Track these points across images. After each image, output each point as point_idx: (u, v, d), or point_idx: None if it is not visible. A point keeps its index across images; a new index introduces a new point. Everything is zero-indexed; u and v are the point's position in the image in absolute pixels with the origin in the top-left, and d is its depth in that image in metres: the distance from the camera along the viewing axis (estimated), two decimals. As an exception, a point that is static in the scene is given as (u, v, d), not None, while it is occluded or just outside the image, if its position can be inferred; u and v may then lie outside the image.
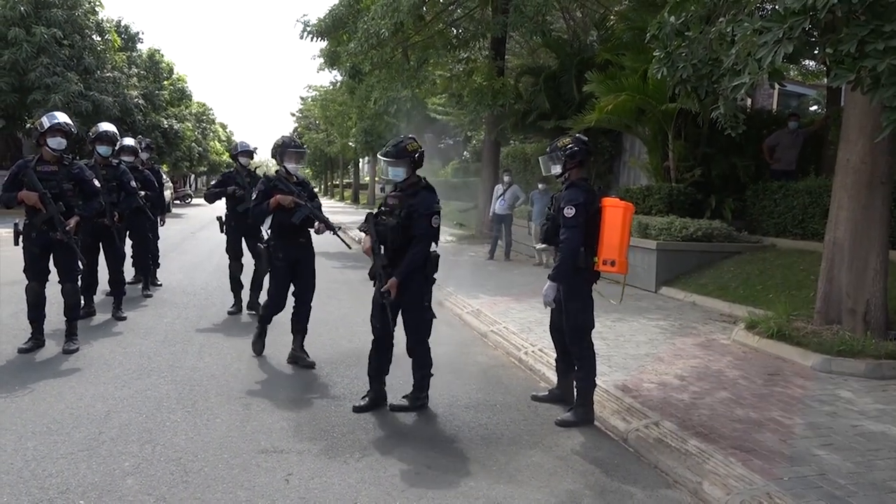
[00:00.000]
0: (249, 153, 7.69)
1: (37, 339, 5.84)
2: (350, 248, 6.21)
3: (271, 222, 5.52)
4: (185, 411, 4.50)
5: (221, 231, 7.66)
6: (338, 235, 5.62)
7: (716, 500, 3.43)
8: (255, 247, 7.10)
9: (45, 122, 5.59)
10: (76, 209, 5.77)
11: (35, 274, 5.71)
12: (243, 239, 7.66)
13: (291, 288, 5.75)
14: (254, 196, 5.58)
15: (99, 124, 7.43)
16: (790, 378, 5.47)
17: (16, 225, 5.70)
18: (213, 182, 7.47)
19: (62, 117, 5.69)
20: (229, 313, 7.62)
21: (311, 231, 5.70)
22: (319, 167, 66.43)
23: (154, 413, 4.44)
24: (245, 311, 7.74)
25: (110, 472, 3.56)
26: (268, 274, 5.79)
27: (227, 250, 7.73)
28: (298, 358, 5.71)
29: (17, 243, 5.69)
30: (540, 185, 12.90)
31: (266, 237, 6.41)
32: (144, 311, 7.68)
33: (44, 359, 5.64)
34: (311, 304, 5.75)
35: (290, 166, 5.60)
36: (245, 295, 7.80)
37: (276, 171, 5.69)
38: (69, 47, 22.91)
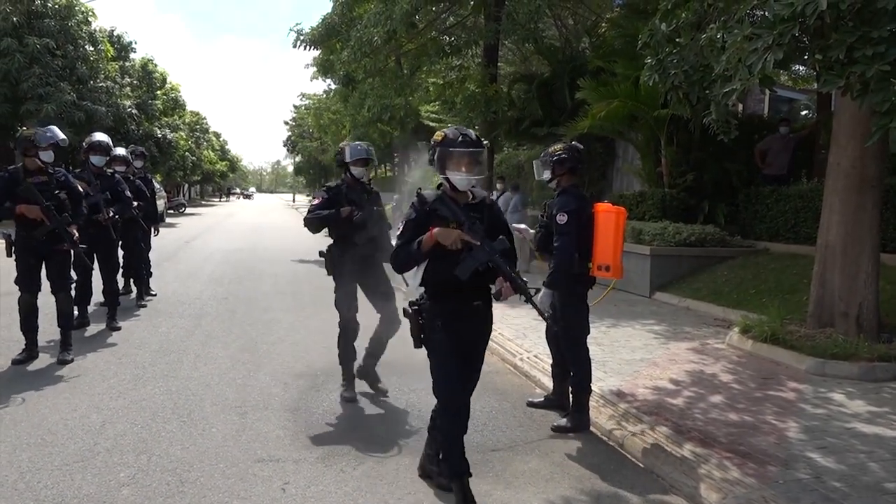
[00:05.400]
0: (365, 160, 5.23)
1: (30, 351, 5.82)
2: (547, 321, 3.82)
3: (423, 274, 3.43)
4: (180, 421, 4.49)
5: (328, 273, 5.20)
6: (532, 304, 3.38)
7: (711, 504, 3.44)
8: (385, 297, 5.15)
9: (43, 138, 5.59)
10: (69, 217, 5.78)
11: (28, 285, 5.70)
12: (359, 285, 5.22)
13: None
14: (399, 228, 3.43)
15: (92, 134, 7.45)
16: (784, 381, 5.49)
17: (8, 236, 5.68)
18: (314, 201, 5.26)
19: (60, 134, 5.75)
20: (345, 399, 5.08)
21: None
22: (313, 175, 66.45)
23: (149, 423, 4.43)
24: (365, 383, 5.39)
25: (106, 483, 3.55)
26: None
27: (337, 303, 5.18)
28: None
29: (10, 255, 5.67)
30: (499, 185, 14.30)
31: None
32: (138, 322, 7.66)
33: (37, 370, 5.62)
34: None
35: (457, 177, 3.33)
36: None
37: (439, 187, 3.44)
38: (62, 57, 22.89)
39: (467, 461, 3.40)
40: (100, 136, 7.30)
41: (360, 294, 5.21)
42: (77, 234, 5.75)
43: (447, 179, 3.33)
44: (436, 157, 3.34)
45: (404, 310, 3.45)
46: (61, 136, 5.75)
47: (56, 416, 4.51)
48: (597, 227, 4.42)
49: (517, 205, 13.02)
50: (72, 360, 5.82)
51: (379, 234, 5.14)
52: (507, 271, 3.23)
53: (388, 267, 4.76)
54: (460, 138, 3.28)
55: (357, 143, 5.38)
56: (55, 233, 5.62)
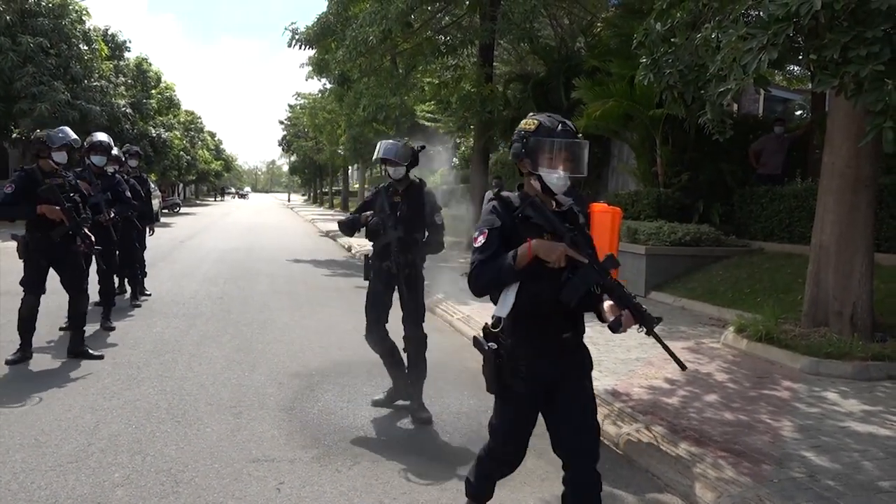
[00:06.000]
0: (390, 161, 4.58)
1: (25, 352, 5.79)
2: (685, 368, 2.79)
3: (514, 300, 2.61)
4: (174, 421, 4.48)
5: (366, 278, 4.83)
6: (656, 337, 2.65)
7: (706, 503, 3.44)
8: (411, 313, 4.69)
9: (56, 138, 5.62)
10: (87, 219, 5.84)
11: (35, 287, 5.70)
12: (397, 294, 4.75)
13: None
14: (478, 239, 2.64)
15: (93, 134, 7.43)
16: (779, 381, 5.51)
17: (22, 237, 5.64)
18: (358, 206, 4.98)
19: (72, 134, 5.78)
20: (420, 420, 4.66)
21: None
22: (308, 175, 66.38)
23: (143, 423, 4.41)
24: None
25: (100, 483, 3.53)
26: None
27: (367, 308, 4.81)
28: None
29: (22, 256, 5.64)
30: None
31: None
32: (133, 322, 7.63)
33: (31, 370, 5.59)
34: None
35: (554, 176, 2.64)
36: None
37: (521, 187, 2.78)
38: (56, 56, 22.79)
39: (493, 491, 3.05)
40: (100, 136, 7.28)
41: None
42: (93, 237, 5.82)
43: (539, 179, 2.66)
44: (524, 151, 2.67)
45: (476, 340, 2.73)
46: (73, 136, 5.79)
47: (50, 416, 4.49)
48: (592, 227, 4.42)
49: None
50: (101, 357, 5.88)
51: (392, 240, 4.58)
52: (628, 296, 2.60)
53: (430, 282, 4.59)
54: (560, 127, 2.67)
55: (388, 141, 4.72)
56: (70, 234, 5.65)
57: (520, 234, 2.58)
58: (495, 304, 2.66)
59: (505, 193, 2.71)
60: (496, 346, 2.66)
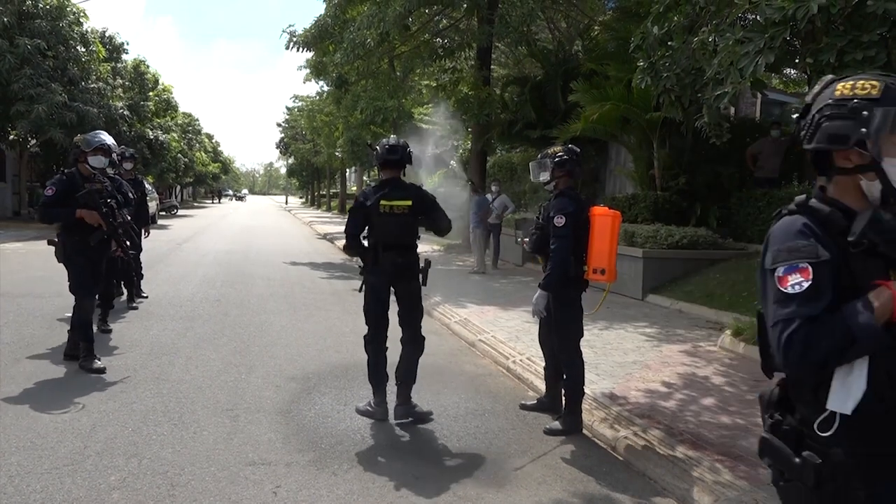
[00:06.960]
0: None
1: (93, 354, 5.68)
2: None
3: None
4: (171, 424, 4.46)
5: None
6: None
7: (704, 506, 3.44)
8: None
9: (91, 141, 5.64)
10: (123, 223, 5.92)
11: (91, 289, 5.68)
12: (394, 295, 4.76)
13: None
14: (795, 280, 1.60)
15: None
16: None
17: (60, 240, 5.61)
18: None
19: (106, 137, 5.77)
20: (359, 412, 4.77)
21: None
22: (306, 177, 66.39)
23: (140, 426, 4.40)
24: None
25: (96, 486, 3.52)
26: None
27: (366, 308, 4.74)
28: None
29: (61, 260, 5.63)
30: (493, 188, 13.82)
31: None
32: (129, 324, 7.61)
33: (27, 373, 5.57)
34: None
35: None
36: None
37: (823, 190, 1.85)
38: (53, 58, 22.74)
39: None
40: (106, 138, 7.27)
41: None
42: (128, 242, 5.86)
43: (881, 174, 1.62)
44: (874, 128, 1.58)
45: (766, 445, 1.81)
46: (109, 140, 5.73)
47: (46, 419, 4.47)
48: (593, 231, 4.42)
49: (475, 207, 12.98)
50: (100, 365, 5.75)
51: None
52: None
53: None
54: None
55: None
56: (105, 239, 5.67)
57: (852, 272, 1.59)
58: (797, 379, 1.70)
59: (815, 204, 1.75)
60: (820, 461, 1.61)
